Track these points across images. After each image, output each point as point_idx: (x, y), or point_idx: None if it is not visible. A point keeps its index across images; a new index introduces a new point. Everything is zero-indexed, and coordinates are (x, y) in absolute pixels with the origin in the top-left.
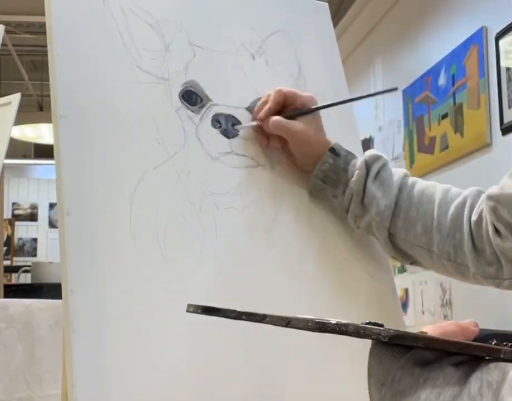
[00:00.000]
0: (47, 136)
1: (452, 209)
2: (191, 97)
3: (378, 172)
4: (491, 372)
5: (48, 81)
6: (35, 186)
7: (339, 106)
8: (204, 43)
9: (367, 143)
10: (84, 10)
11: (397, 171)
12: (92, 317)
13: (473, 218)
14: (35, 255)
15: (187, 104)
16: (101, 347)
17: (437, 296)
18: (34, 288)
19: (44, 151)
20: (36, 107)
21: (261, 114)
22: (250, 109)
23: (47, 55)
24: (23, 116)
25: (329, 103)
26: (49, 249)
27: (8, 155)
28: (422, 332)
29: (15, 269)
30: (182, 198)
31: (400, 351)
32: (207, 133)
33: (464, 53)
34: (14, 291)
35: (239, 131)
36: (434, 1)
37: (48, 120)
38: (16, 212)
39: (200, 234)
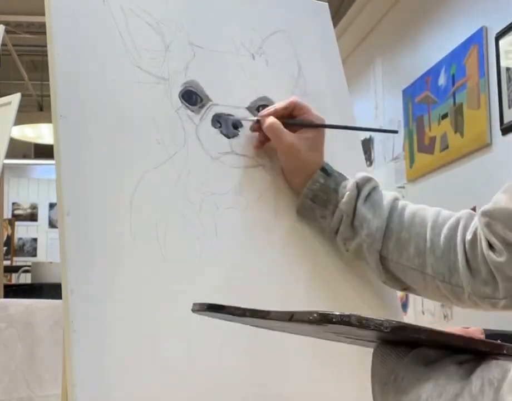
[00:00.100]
0: (47, 136)
1: (445, 230)
2: (191, 97)
3: (368, 194)
4: (492, 370)
5: (48, 81)
6: (35, 186)
7: (337, 103)
8: (204, 43)
9: (367, 143)
10: (84, 10)
11: (387, 194)
12: (92, 317)
13: (468, 237)
14: (35, 255)
15: (187, 104)
16: (101, 347)
17: None
18: (34, 288)
19: (44, 151)
20: (36, 107)
21: (264, 111)
22: (250, 109)
23: (47, 55)
24: (23, 116)
25: (333, 124)
26: (49, 249)
27: (8, 155)
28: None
29: (15, 269)
30: (182, 198)
31: (404, 351)
32: (207, 133)
33: (464, 53)
34: (14, 291)
35: (239, 129)
36: (434, 1)
37: (48, 120)
38: (16, 212)
39: (200, 234)
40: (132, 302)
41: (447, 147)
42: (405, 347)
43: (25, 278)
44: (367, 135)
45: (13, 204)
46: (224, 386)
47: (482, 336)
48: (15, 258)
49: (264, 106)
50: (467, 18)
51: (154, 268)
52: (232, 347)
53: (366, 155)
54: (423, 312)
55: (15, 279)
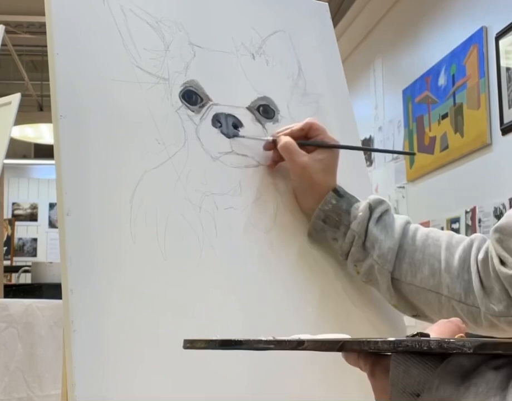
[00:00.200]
0: (47, 136)
1: (459, 251)
2: (191, 97)
3: (380, 216)
4: None
5: (48, 81)
6: (35, 186)
7: (337, 103)
8: (204, 43)
9: (367, 144)
10: (84, 10)
11: (399, 217)
12: (92, 317)
13: (480, 256)
14: (35, 255)
15: (187, 104)
16: (101, 347)
17: None
18: (34, 288)
19: (44, 151)
20: (36, 107)
21: (280, 132)
22: (250, 109)
23: (47, 55)
24: (23, 116)
25: (345, 145)
26: (49, 249)
27: (8, 155)
28: (422, 333)
29: (15, 269)
30: (182, 198)
31: (431, 360)
32: (207, 133)
33: (464, 53)
34: (14, 291)
35: (239, 129)
36: (434, 1)
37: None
38: (16, 212)
39: (200, 234)
40: (132, 302)
41: (447, 147)
42: (431, 356)
43: (25, 278)
44: (367, 135)
45: (13, 204)
46: (223, 387)
47: (463, 326)
48: (15, 258)
49: (264, 106)
50: (467, 18)
51: (154, 268)
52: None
53: (366, 155)
54: None
55: (15, 279)
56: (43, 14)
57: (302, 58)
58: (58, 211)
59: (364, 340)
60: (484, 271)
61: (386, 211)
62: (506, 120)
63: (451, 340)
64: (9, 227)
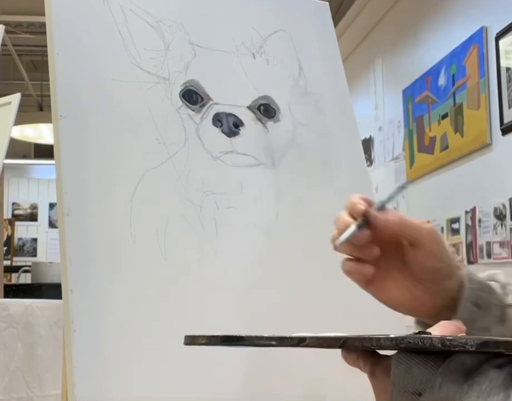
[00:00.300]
0: (47, 136)
1: None
2: (192, 96)
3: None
4: None
5: (48, 81)
6: (35, 186)
7: (338, 103)
8: (204, 43)
9: (367, 143)
10: (84, 10)
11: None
12: (92, 317)
13: None
14: (35, 255)
15: (187, 104)
16: (101, 347)
17: None
18: (34, 288)
19: (44, 151)
20: (36, 107)
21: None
22: (251, 108)
23: (47, 55)
24: (23, 116)
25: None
26: (49, 249)
27: (8, 155)
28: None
29: (15, 269)
30: (182, 198)
31: (433, 358)
32: (208, 132)
33: (464, 53)
34: (14, 291)
35: (239, 128)
36: (434, 1)
37: (48, 120)
38: (16, 212)
39: (200, 233)
40: (132, 302)
41: (447, 147)
42: (433, 355)
43: (25, 278)
44: (367, 135)
45: (13, 204)
46: (223, 387)
47: (464, 328)
48: (15, 258)
49: (265, 105)
50: (467, 18)
51: (154, 268)
52: (232, 348)
53: (366, 155)
54: None
55: (15, 279)
56: (43, 14)
57: (302, 57)
58: (58, 211)
59: (366, 336)
60: None
61: None
62: (506, 120)
63: (454, 338)
64: (9, 227)
